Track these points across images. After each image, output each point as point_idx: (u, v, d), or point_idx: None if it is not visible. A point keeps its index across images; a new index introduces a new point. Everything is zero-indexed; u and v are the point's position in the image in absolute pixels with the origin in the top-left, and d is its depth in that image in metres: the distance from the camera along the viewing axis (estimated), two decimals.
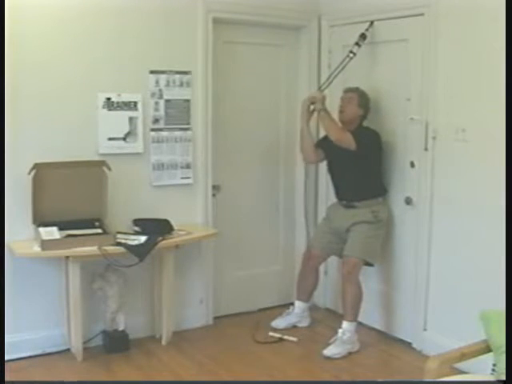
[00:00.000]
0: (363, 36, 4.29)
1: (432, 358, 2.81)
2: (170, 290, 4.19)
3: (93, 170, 3.98)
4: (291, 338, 4.35)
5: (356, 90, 4.27)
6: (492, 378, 2.74)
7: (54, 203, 3.86)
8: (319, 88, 4.46)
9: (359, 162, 4.15)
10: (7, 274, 3.64)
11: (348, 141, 4.09)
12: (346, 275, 4.20)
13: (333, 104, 4.35)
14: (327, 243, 4.44)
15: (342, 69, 4.33)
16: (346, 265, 4.20)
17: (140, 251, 3.85)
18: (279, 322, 4.56)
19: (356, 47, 4.29)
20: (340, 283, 4.34)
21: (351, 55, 4.29)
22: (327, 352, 4.08)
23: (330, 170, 4.48)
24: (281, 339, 4.35)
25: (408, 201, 4.22)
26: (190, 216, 4.43)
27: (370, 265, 4.26)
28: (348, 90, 4.30)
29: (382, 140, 4.23)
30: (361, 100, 4.24)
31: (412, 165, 4.18)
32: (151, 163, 4.28)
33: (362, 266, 4.20)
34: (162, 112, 4.27)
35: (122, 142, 4.14)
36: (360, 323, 4.38)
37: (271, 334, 4.41)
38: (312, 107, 4.31)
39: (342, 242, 4.31)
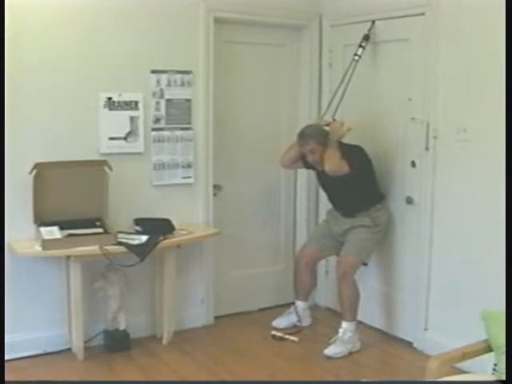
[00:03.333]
0: (366, 37, 4.27)
1: (433, 358, 2.82)
2: (170, 290, 4.19)
3: (94, 170, 3.98)
4: (292, 338, 4.35)
5: (309, 137, 4.08)
6: (493, 378, 2.74)
7: (55, 203, 3.87)
8: (329, 107, 4.40)
9: (353, 181, 4.08)
10: (8, 274, 3.63)
11: (342, 171, 4.01)
12: (341, 276, 4.18)
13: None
14: (323, 243, 4.43)
15: (350, 78, 4.25)
16: (342, 265, 4.19)
17: (141, 251, 3.86)
18: (280, 322, 4.56)
19: (360, 49, 4.27)
20: None
21: (356, 58, 4.27)
22: (328, 351, 4.08)
23: (323, 187, 4.44)
24: (282, 338, 4.36)
25: (409, 200, 4.22)
26: (191, 215, 4.43)
27: (364, 264, 4.24)
28: (303, 143, 4.10)
29: (367, 151, 4.16)
30: (319, 142, 4.06)
31: (413, 164, 4.18)
32: (152, 163, 4.28)
33: (359, 266, 4.19)
34: (163, 112, 4.27)
35: (123, 142, 4.14)
36: (361, 323, 4.39)
37: (274, 332, 4.41)
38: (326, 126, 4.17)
39: (338, 244, 4.30)
